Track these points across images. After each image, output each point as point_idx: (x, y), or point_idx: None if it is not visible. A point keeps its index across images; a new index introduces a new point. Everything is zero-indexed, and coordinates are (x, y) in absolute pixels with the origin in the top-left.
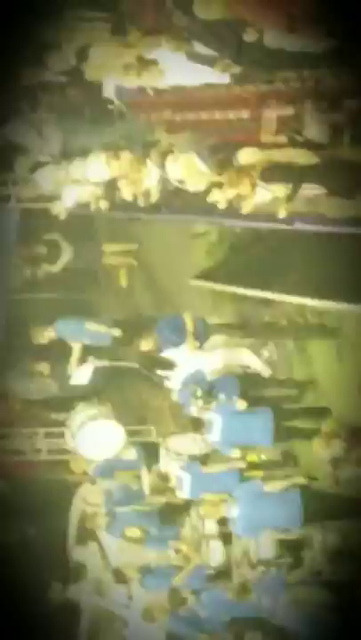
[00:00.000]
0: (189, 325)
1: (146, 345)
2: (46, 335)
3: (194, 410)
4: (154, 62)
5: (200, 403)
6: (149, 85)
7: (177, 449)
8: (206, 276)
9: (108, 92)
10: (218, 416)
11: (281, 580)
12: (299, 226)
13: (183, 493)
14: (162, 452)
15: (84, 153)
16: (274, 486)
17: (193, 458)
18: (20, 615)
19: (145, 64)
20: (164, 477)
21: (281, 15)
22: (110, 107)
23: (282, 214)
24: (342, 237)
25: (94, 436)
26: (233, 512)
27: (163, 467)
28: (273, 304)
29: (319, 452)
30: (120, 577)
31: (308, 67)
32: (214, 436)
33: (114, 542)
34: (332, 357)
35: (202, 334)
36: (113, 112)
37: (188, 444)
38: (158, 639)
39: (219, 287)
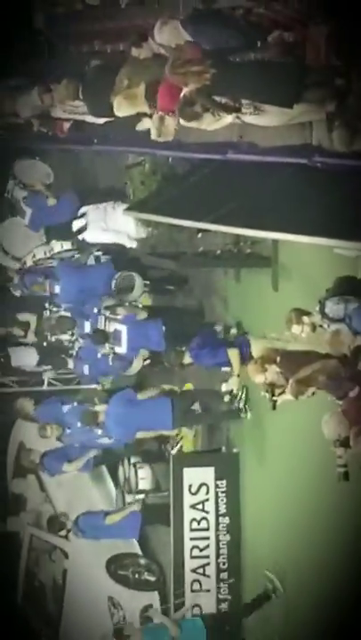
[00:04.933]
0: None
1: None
2: None
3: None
4: None
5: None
6: None
7: None
8: (141, 206)
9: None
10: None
11: None
12: (231, 155)
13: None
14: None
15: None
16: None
17: None
18: None
19: None
20: None
21: None
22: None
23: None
24: (275, 166)
25: None
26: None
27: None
28: (207, 234)
29: (255, 377)
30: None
31: None
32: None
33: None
34: (267, 286)
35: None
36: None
37: None
38: (98, 569)
39: (153, 218)
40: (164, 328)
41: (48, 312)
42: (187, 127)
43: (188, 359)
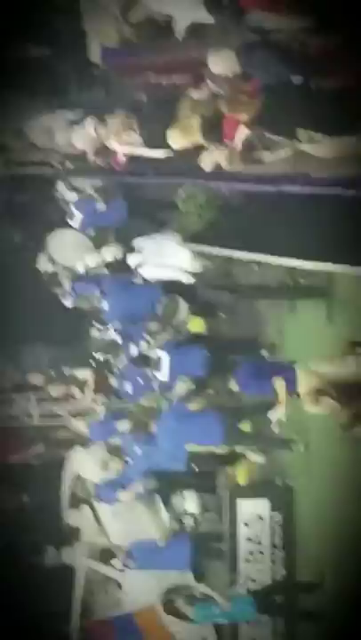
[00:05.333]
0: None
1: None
2: None
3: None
4: None
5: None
6: None
7: None
8: (196, 238)
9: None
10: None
11: None
12: (286, 188)
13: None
14: None
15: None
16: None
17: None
18: (15, 579)
19: None
20: None
21: None
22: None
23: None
24: (330, 198)
25: None
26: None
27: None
28: (263, 266)
29: (308, 408)
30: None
31: None
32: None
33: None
34: (322, 318)
35: None
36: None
37: None
38: (153, 600)
39: (209, 250)
40: (207, 355)
41: (96, 330)
42: (242, 159)
43: (235, 387)
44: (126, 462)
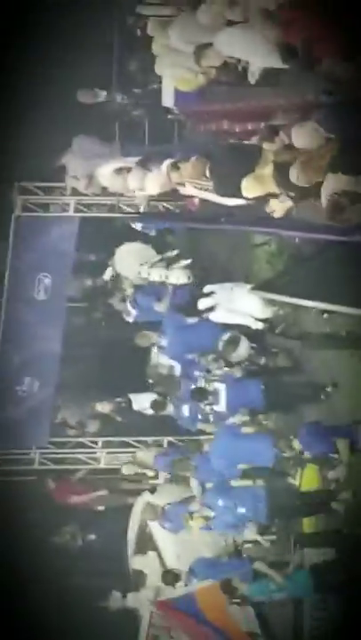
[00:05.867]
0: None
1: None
2: None
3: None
4: None
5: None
6: None
7: None
8: (267, 286)
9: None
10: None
11: None
12: (357, 238)
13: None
14: None
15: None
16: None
17: None
18: (80, 623)
19: None
20: None
21: None
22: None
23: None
24: None
25: None
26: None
27: None
28: (332, 315)
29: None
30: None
31: None
32: None
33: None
34: None
35: None
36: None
37: None
38: None
39: (279, 298)
40: (263, 387)
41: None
42: (314, 208)
43: (297, 446)
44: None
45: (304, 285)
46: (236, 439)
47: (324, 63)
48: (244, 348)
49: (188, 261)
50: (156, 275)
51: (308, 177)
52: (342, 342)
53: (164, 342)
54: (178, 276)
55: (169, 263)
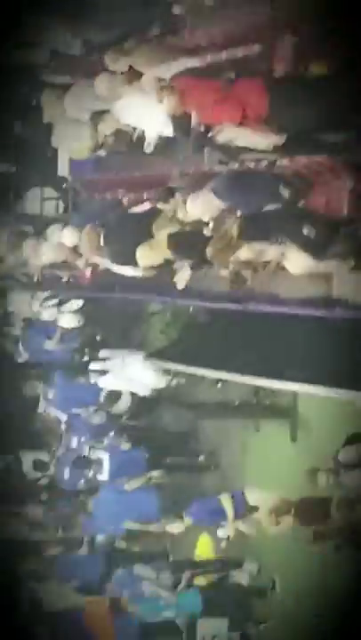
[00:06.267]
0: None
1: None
2: None
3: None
4: None
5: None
6: None
7: None
8: (160, 354)
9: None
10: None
11: None
12: (252, 307)
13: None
14: None
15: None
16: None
17: None
18: None
19: None
20: None
21: None
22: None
23: None
24: (296, 317)
25: None
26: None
27: None
28: (226, 384)
29: (268, 528)
30: None
31: None
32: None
33: None
34: (286, 436)
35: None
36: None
37: None
38: None
39: (172, 366)
40: (147, 456)
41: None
42: (210, 277)
43: (188, 522)
44: None
45: (198, 353)
46: (120, 495)
47: (219, 132)
48: (124, 402)
49: (80, 302)
50: (47, 315)
51: (225, 259)
52: (235, 411)
53: (50, 395)
54: (68, 320)
55: (60, 304)
